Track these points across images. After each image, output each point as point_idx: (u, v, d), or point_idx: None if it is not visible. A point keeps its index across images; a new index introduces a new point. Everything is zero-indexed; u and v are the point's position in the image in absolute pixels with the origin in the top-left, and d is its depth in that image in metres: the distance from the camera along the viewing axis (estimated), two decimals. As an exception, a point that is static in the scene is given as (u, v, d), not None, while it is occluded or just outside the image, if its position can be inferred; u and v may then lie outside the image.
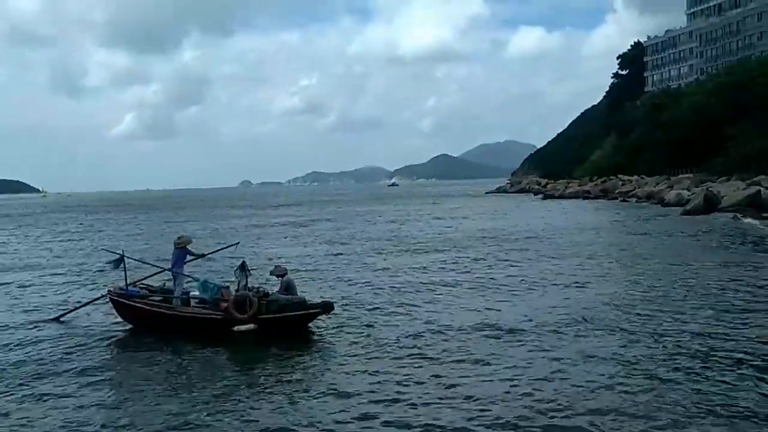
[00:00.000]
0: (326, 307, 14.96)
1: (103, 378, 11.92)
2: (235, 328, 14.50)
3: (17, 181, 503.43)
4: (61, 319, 16.76)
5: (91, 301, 17.44)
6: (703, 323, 14.38)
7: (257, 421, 9.63)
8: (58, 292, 21.16)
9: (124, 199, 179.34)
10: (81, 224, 62.06)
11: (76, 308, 17.32)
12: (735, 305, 16.10)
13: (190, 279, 16.12)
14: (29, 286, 22.72)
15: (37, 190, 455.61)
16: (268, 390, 10.96)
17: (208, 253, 17.90)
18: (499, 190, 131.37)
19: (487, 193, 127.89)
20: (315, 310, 14.92)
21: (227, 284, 15.93)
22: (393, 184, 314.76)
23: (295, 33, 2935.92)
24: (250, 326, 14.49)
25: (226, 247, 18.77)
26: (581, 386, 10.56)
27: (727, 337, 13.07)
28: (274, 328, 14.45)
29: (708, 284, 19.03)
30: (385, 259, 28.18)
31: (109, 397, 10.92)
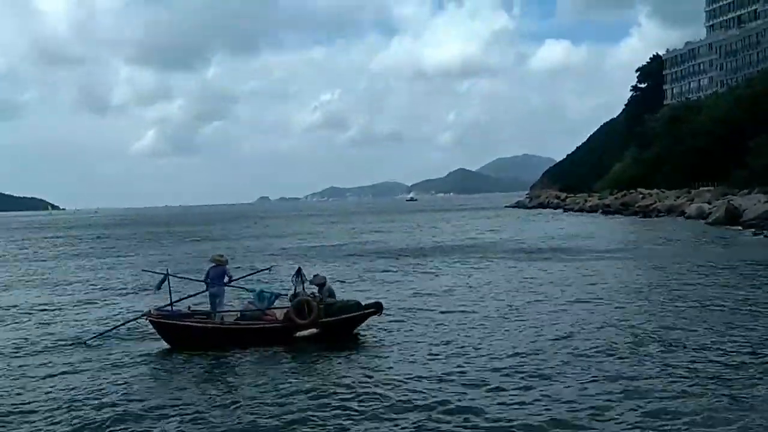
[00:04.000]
0: (379, 308, 15.69)
1: (164, 400, 11.77)
2: (298, 334, 14.82)
3: (40, 200, 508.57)
4: (96, 340, 16.22)
5: (126, 322, 17.04)
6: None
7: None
8: (97, 315, 20.52)
9: (153, 216, 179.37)
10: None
11: (110, 330, 16.79)
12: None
13: (250, 289, 16.51)
14: (67, 306, 22.54)
15: (58, 208, 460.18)
16: (336, 397, 11.34)
17: (241, 278, 17.73)
18: (517, 205, 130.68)
19: (506, 206, 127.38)
20: (369, 311, 15.60)
21: (284, 293, 16.24)
22: (411, 199, 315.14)
23: (321, 49, 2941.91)
24: (313, 330, 14.87)
25: (260, 271, 19.01)
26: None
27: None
28: (333, 331, 15.01)
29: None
30: (422, 266, 29.97)
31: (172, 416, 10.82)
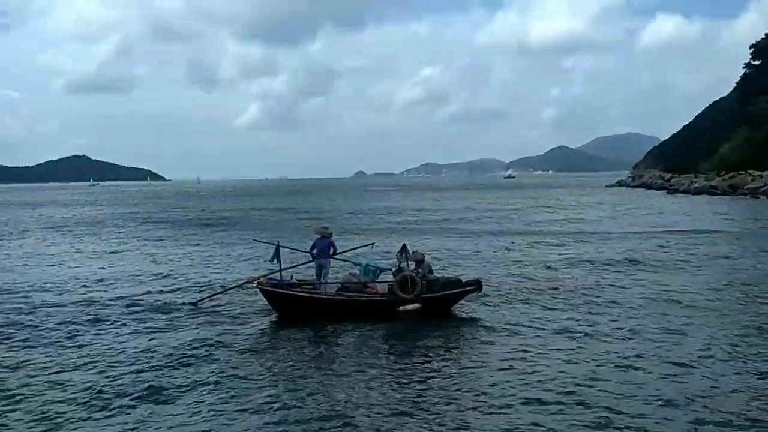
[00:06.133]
0: (479, 285, 16.11)
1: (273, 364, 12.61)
2: (401, 308, 15.54)
3: (145, 170, 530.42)
4: (206, 302, 17.55)
5: (233, 287, 18.71)
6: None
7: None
8: (210, 279, 21.96)
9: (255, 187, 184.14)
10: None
11: (220, 292, 18.34)
12: None
13: (356, 263, 17.13)
14: (181, 271, 24.15)
15: (164, 179, 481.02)
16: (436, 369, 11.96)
17: (345, 251, 18.32)
18: (619, 184, 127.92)
19: (606, 186, 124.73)
20: (470, 288, 16.02)
21: (389, 267, 16.76)
22: (509, 176, 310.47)
23: (425, 24, 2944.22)
24: (415, 305, 15.55)
25: (362, 247, 19.85)
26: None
27: None
28: (435, 306, 15.59)
29: None
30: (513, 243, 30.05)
31: (276, 381, 11.44)
